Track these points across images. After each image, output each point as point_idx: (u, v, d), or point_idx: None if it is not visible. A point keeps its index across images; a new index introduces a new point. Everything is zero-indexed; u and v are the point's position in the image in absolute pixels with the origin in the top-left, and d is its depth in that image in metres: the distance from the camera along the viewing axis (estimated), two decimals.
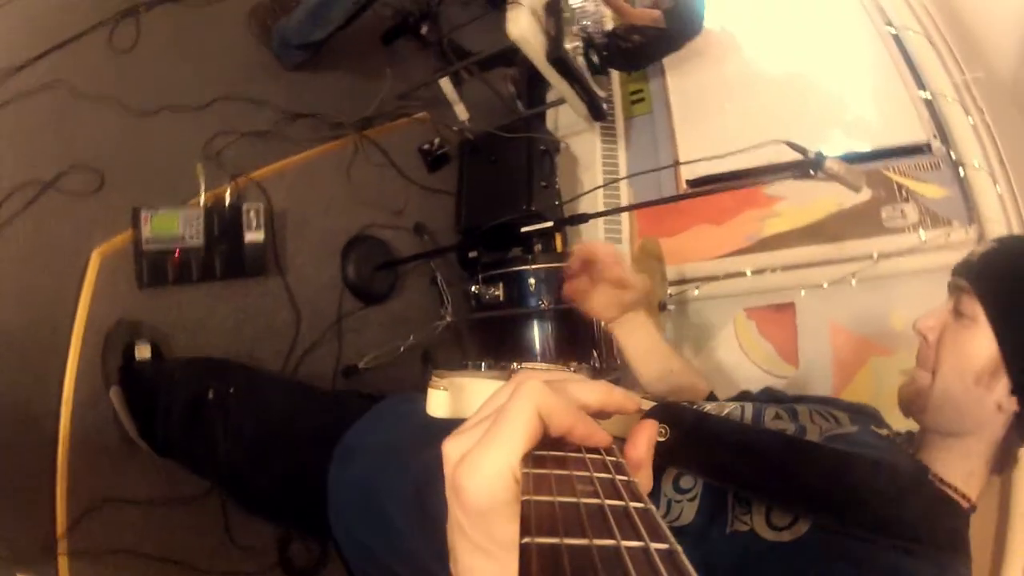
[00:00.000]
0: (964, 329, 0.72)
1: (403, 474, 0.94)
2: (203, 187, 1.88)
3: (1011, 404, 0.69)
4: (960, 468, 0.72)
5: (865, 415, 0.88)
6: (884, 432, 0.80)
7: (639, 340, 1.10)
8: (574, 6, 2.42)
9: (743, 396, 1.07)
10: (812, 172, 1.62)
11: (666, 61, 2.95)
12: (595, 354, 2.00)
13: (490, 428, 0.33)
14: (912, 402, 0.77)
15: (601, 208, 2.77)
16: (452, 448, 0.34)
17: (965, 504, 0.71)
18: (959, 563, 0.63)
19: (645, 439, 0.40)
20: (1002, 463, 0.73)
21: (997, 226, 1.97)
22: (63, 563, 1.42)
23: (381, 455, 1.04)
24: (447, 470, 0.34)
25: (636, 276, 1.04)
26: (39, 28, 1.66)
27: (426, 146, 2.65)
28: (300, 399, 1.32)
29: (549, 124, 3.02)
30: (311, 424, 1.21)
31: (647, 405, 0.80)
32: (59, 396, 1.52)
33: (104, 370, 1.57)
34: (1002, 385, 0.69)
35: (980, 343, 0.70)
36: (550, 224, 2.04)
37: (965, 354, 0.71)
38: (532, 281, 2.35)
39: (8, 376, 1.46)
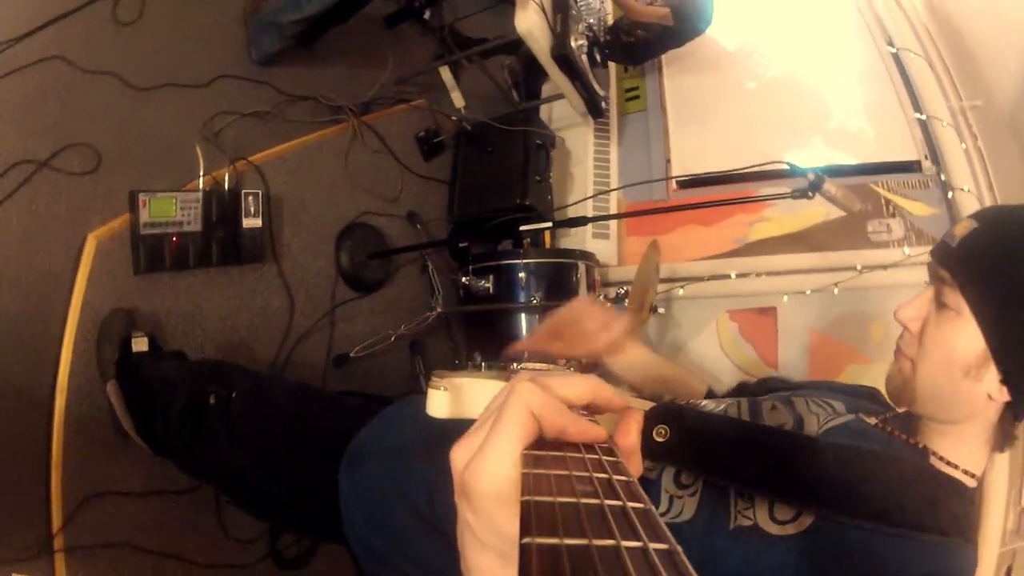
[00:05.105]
0: (948, 322, 0.69)
1: (411, 476, 0.94)
2: (202, 169, 1.85)
3: (1002, 394, 0.67)
4: (960, 449, 0.71)
5: (863, 399, 0.88)
6: (873, 421, 0.78)
7: (635, 372, 1.09)
8: (580, 3, 2.39)
9: (740, 388, 1.07)
10: (810, 195, 1.65)
11: (664, 60, 2.96)
12: None
13: (491, 429, 0.35)
14: (900, 393, 0.76)
15: (590, 203, 2.78)
16: (458, 454, 0.36)
17: (970, 481, 0.70)
18: (963, 547, 0.63)
19: (635, 425, 0.43)
20: (1001, 443, 0.72)
21: None
22: (59, 560, 1.40)
23: (389, 459, 1.04)
24: (455, 475, 0.35)
25: (614, 316, 0.99)
26: None
27: (422, 134, 2.63)
28: (305, 404, 1.28)
29: (543, 115, 3.00)
30: (318, 430, 1.17)
31: (646, 405, 0.81)
32: (53, 385, 1.49)
33: (100, 362, 1.53)
34: (991, 375, 0.67)
35: (966, 337, 0.67)
36: (549, 225, 2.05)
37: (951, 348, 0.69)
38: (522, 275, 2.37)
39: (1, 363, 1.43)
